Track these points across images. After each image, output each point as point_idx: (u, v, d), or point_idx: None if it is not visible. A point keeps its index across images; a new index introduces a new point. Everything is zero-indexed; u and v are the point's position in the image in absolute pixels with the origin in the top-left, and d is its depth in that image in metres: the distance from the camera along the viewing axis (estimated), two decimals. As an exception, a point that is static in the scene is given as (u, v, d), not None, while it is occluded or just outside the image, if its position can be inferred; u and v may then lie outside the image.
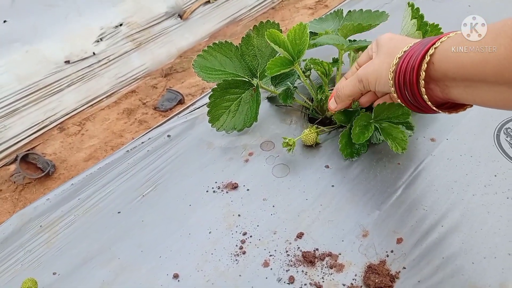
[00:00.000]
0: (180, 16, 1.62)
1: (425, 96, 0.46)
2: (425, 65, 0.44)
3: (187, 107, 0.84)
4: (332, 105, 0.65)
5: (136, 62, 1.47)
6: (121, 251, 0.61)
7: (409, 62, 0.46)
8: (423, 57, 0.45)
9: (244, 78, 0.74)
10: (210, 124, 0.73)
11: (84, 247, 0.62)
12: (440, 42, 0.44)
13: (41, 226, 0.66)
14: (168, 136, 0.77)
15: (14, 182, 1.10)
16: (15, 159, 1.14)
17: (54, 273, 0.59)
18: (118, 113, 1.32)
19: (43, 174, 1.08)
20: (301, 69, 0.71)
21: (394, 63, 0.49)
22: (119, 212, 0.66)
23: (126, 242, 0.62)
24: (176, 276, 0.57)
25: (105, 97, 1.38)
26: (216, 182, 0.68)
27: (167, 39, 1.55)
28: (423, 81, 0.45)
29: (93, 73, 1.39)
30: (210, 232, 0.62)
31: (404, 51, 0.48)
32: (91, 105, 1.34)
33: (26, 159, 1.14)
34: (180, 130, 0.78)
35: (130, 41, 1.49)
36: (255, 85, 0.73)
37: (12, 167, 1.13)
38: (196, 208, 0.65)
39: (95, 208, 0.67)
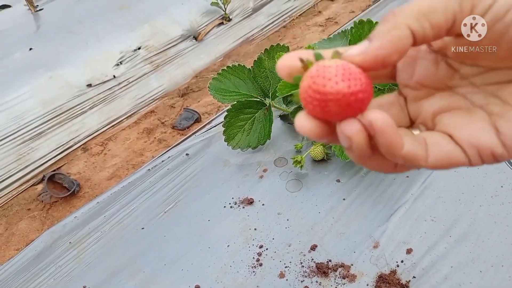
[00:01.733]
0: (195, 38, 1.68)
1: None
2: None
3: (204, 126, 0.88)
4: (359, 48, 0.25)
5: (154, 84, 1.53)
6: (145, 265, 0.65)
7: None
8: None
9: (257, 98, 0.78)
10: (226, 142, 0.77)
11: (111, 262, 0.66)
12: None
13: (70, 242, 0.71)
14: (187, 154, 0.81)
15: (42, 201, 1.15)
16: (42, 179, 1.20)
17: (84, 287, 0.64)
18: (138, 133, 1.37)
19: (69, 193, 1.13)
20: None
21: None
22: (142, 228, 0.70)
23: (150, 256, 0.66)
24: (197, 288, 0.61)
25: (125, 118, 1.44)
26: (233, 198, 0.72)
27: (183, 60, 1.62)
28: None
29: (114, 95, 1.46)
30: (228, 246, 0.65)
31: None
32: (113, 125, 1.40)
33: (52, 179, 1.20)
34: (197, 149, 0.82)
35: (148, 64, 1.56)
36: (268, 105, 0.77)
37: (40, 187, 1.19)
38: (214, 223, 0.69)
39: (120, 224, 0.72)
